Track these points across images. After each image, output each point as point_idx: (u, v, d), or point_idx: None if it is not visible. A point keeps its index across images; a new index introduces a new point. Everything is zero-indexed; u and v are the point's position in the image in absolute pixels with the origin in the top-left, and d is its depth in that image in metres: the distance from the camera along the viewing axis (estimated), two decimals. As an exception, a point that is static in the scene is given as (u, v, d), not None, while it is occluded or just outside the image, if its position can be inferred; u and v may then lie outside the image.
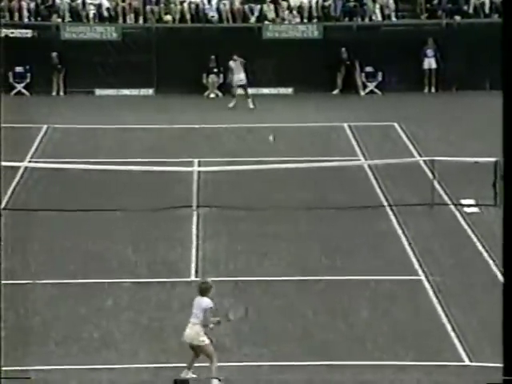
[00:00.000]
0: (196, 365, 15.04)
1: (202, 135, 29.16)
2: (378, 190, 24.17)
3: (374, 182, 24.78)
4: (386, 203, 23.24)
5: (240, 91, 32.11)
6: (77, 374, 15.40)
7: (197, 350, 14.97)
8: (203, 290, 15.19)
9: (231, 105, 31.87)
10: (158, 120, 30.61)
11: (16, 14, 34.55)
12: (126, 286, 18.70)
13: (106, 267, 19.57)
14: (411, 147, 27.84)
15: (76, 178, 24.19)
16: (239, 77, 32.04)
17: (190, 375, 14.99)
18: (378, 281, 19.03)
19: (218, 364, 15.09)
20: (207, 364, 14.89)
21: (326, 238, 21.14)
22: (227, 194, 23.65)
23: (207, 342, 14.91)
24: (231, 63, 32.26)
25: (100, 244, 20.74)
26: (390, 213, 22.62)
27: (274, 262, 19.83)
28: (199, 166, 25.41)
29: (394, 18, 35.70)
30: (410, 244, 20.69)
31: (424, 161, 25.21)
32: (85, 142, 28.40)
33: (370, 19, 35.63)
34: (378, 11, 35.54)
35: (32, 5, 34.70)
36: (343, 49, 34.24)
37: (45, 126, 29.61)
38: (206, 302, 15.02)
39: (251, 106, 31.83)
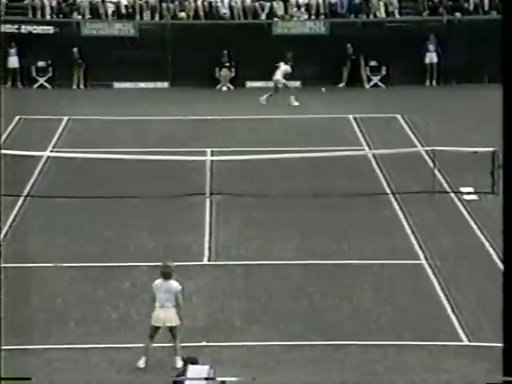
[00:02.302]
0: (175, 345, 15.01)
1: (214, 126, 29.14)
2: (382, 179, 24.13)
3: (377, 170, 24.74)
4: (389, 191, 23.21)
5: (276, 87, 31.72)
6: (96, 353, 15.42)
7: (173, 331, 14.82)
8: (167, 274, 15.02)
9: (263, 99, 31.52)
10: (172, 111, 30.60)
11: (39, 12, 34.55)
12: (142, 269, 18.71)
13: (123, 251, 19.59)
14: (413, 138, 27.79)
15: (95, 167, 24.20)
16: (276, 77, 31.82)
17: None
18: (381, 265, 19.02)
19: (230, 343, 15.11)
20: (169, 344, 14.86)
21: (332, 224, 21.12)
22: (239, 182, 23.64)
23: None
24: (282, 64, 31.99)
25: (118, 229, 20.77)
26: (393, 200, 22.59)
27: (283, 247, 19.83)
28: (212, 155, 25.38)
29: (397, 15, 35.61)
30: (412, 230, 20.67)
31: (425, 151, 25.16)
32: (103, 132, 28.42)
33: (375, 16, 35.55)
34: (382, 8, 35.46)
35: (54, 3, 34.69)
36: (349, 44, 34.18)
37: (66, 118, 29.63)
38: (175, 284, 14.93)
39: (263, 102, 31.58)
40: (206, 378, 11.77)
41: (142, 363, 14.79)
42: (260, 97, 31.52)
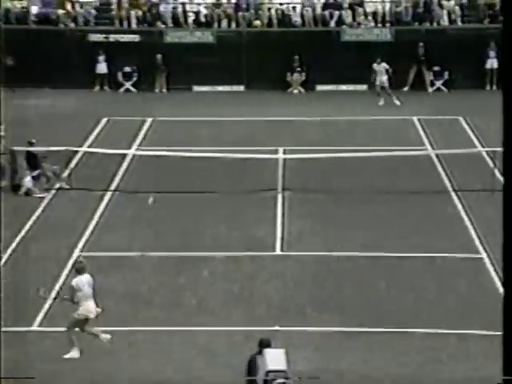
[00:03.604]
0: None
1: (286, 127, 29.18)
2: (444, 177, 23.97)
3: (440, 169, 24.58)
4: (451, 189, 23.05)
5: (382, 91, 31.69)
6: (178, 335, 15.62)
7: (88, 321, 14.78)
8: (82, 269, 14.96)
9: (381, 103, 31.54)
10: (247, 113, 30.71)
11: (125, 22, 34.95)
12: (219, 258, 18.86)
13: (202, 242, 19.73)
14: (474, 139, 27.53)
15: (176, 164, 24.38)
16: (381, 79, 31.85)
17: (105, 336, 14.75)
18: (443, 258, 18.92)
19: (301, 328, 15.13)
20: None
21: (396, 220, 21.05)
22: (309, 178, 23.67)
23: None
24: (375, 66, 31.99)
25: (197, 222, 20.92)
26: (455, 198, 22.43)
27: (350, 240, 19.81)
28: (284, 153, 25.45)
29: (459, 23, 35.26)
30: (472, 225, 20.51)
31: (486, 151, 24.93)
32: (184, 132, 28.63)
33: (438, 24, 35.25)
34: (445, 17, 35.14)
35: (139, 13, 35.07)
36: (421, 43, 33.89)
37: (149, 119, 29.91)
38: (90, 277, 14.84)
39: (397, 102, 31.55)
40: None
41: (76, 354, 14.64)
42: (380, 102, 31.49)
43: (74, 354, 14.70)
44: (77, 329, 14.83)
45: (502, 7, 6.78)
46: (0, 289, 12.39)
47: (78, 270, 15.11)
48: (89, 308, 14.81)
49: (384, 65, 31.98)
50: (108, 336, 14.87)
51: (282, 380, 11.47)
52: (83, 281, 14.83)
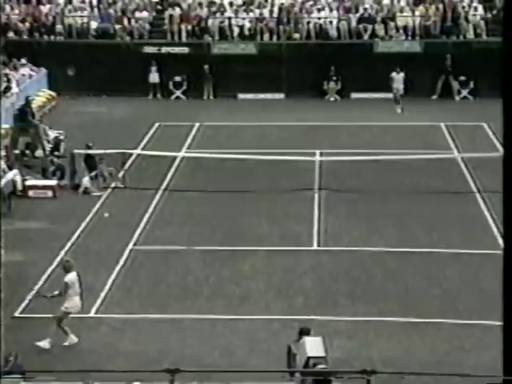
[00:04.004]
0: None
1: (323, 131, 29.05)
2: (469, 179, 23.72)
3: (465, 171, 24.32)
4: (475, 190, 22.80)
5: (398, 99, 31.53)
6: (221, 323, 15.59)
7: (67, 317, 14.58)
8: (69, 267, 14.78)
9: (399, 111, 31.36)
10: (287, 119, 30.62)
11: (176, 35, 35.03)
12: (260, 253, 18.81)
13: (244, 237, 19.71)
14: (497, 144, 27.21)
15: (221, 166, 24.40)
16: (398, 87, 31.68)
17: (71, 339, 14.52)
18: (468, 254, 18.71)
19: (336, 318, 15.03)
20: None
21: (424, 218, 20.86)
22: (344, 179, 23.53)
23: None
24: (394, 74, 31.83)
25: (239, 219, 20.87)
26: (479, 198, 22.18)
27: (382, 236, 19.68)
28: (321, 156, 25.34)
29: (484, 36, 34.88)
30: (495, 224, 20.26)
31: (508, 155, 24.56)
32: (229, 136, 28.61)
33: (464, 37, 34.90)
34: (471, 30, 34.80)
35: (189, 27, 35.14)
36: (448, 55, 33.60)
37: (197, 124, 29.93)
38: (77, 276, 14.65)
39: (399, 110, 31.34)
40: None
41: (75, 339, 14.51)
42: (397, 109, 31.25)
43: (73, 339, 14.64)
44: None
45: (504, 17, 6.50)
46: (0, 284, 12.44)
47: (66, 268, 14.94)
48: (76, 304, 14.71)
49: (402, 74, 31.77)
50: (48, 345, 14.54)
51: (323, 365, 11.38)
52: (75, 278, 14.75)
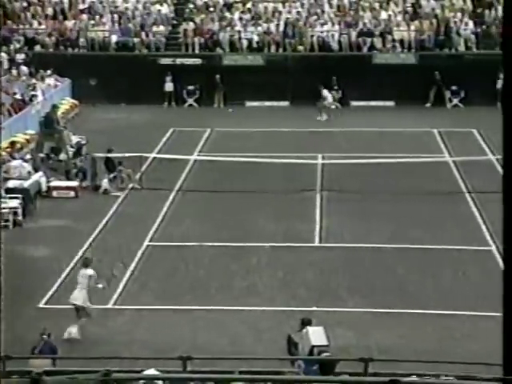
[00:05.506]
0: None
1: (325, 136, 28.97)
2: (460, 181, 23.60)
3: (456, 174, 24.21)
4: (465, 190, 22.69)
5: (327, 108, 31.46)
6: (230, 314, 15.53)
7: (80, 310, 14.37)
8: (87, 263, 14.66)
9: (324, 118, 31.29)
10: (291, 125, 30.53)
11: (190, 47, 34.99)
12: (266, 248, 18.75)
13: (251, 234, 19.63)
14: (486, 148, 27.08)
15: (231, 168, 24.33)
16: (328, 101, 31.56)
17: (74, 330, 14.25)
18: (458, 250, 18.61)
19: (336, 309, 14.96)
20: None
21: (418, 217, 20.75)
22: (344, 181, 23.44)
23: (90, 305, 14.42)
24: (325, 92, 31.69)
25: (246, 217, 20.80)
26: (469, 198, 22.07)
27: (379, 234, 19.59)
28: (323, 159, 25.26)
29: (474, 49, 34.75)
30: (484, 222, 20.15)
31: (496, 159, 24.49)
32: (238, 140, 28.55)
33: (456, 50, 34.78)
34: (462, 43, 34.69)
35: (202, 40, 35.11)
36: (436, 72, 33.55)
37: (209, 129, 29.89)
38: (90, 272, 14.48)
39: (320, 118, 31.13)
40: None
41: (70, 329, 14.21)
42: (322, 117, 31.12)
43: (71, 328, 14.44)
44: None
45: (503, 23, 6.27)
46: (0, 282, 12.40)
47: (83, 263, 14.87)
48: (75, 295, 14.54)
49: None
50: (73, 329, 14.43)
51: (328, 353, 11.29)
52: (82, 273, 14.62)
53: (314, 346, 11.38)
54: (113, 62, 34.01)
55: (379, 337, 14.48)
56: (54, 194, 22.38)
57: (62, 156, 25.26)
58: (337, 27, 35.25)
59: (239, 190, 22.54)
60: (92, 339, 14.37)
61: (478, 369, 11.57)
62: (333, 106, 33.99)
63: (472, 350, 13.85)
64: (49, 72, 32.09)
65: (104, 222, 20.45)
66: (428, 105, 33.92)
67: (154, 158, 25.34)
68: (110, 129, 29.20)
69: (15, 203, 20.12)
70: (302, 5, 36.16)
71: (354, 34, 35.01)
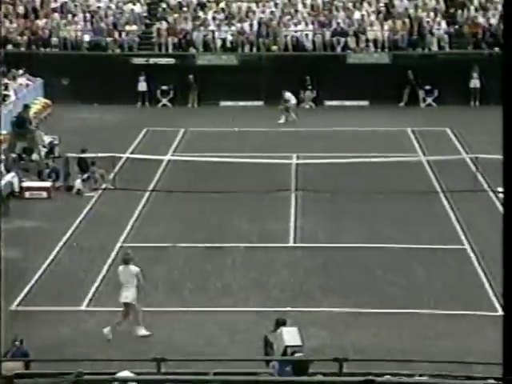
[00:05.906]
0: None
1: (299, 136, 28.98)
2: (434, 180, 23.71)
3: (430, 173, 24.32)
4: (439, 189, 22.80)
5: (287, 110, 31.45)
6: (205, 315, 15.47)
7: (129, 309, 14.33)
8: (128, 260, 14.53)
9: (282, 120, 31.31)
10: (266, 124, 30.52)
11: (163, 47, 34.87)
12: (240, 249, 18.71)
13: (226, 235, 19.59)
14: (459, 147, 27.24)
15: (205, 168, 24.27)
16: (291, 102, 31.58)
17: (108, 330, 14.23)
18: (431, 249, 18.69)
19: (310, 309, 14.95)
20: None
21: (392, 216, 20.82)
22: (318, 181, 23.45)
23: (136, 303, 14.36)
24: (287, 94, 31.64)
25: (221, 217, 20.76)
26: (443, 197, 22.18)
27: (353, 233, 19.62)
28: (297, 159, 25.26)
29: (447, 49, 34.96)
30: (458, 221, 20.26)
31: (469, 157, 24.64)
32: (212, 140, 28.50)
33: (429, 49, 34.97)
34: (435, 43, 34.89)
35: (175, 40, 35.00)
36: (409, 71, 33.70)
37: (182, 129, 29.81)
38: (135, 269, 14.40)
39: (281, 121, 31.12)
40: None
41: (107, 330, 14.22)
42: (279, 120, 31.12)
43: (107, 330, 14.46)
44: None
45: (504, 24, 6.30)
46: (0, 281, 12.27)
47: (123, 260, 14.76)
48: (124, 294, 14.53)
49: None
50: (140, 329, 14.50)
51: (301, 354, 11.28)
52: (123, 271, 14.55)
53: (287, 347, 11.36)
54: (85, 61, 33.81)
55: (354, 336, 14.49)
56: (27, 194, 22.20)
57: (35, 156, 25.05)
58: (311, 27, 35.32)
59: (213, 190, 22.48)
60: (65, 341, 14.24)
61: (452, 367, 11.62)
62: (307, 106, 34.05)
63: (446, 349, 13.90)
64: (21, 71, 31.82)
65: (77, 222, 20.30)
66: (402, 104, 34.06)
67: (128, 158, 25.21)
68: (82, 129, 29.01)
69: (-13, 204, 19.90)
70: (276, 4, 36.17)
71: (327, 34, 35.07)
